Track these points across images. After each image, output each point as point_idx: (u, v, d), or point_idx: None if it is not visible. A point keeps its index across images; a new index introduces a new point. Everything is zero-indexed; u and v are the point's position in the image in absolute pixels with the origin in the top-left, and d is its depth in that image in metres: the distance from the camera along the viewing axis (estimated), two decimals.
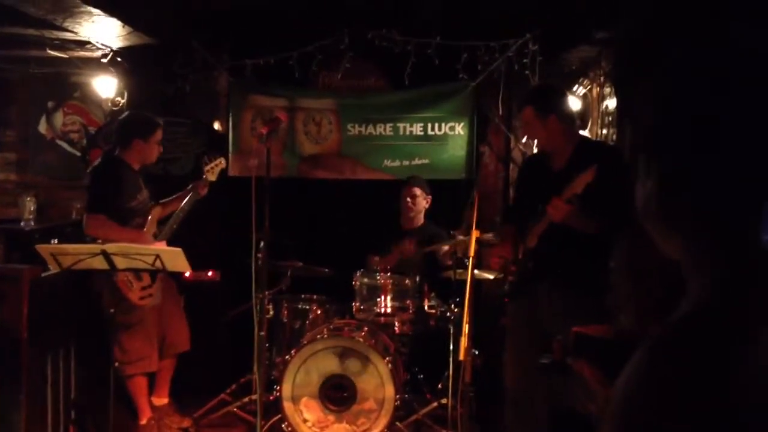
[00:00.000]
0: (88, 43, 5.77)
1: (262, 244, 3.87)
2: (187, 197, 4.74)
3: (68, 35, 5.55)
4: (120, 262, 3.83)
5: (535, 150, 5.45)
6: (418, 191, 5.46)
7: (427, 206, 5.52)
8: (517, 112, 3.98)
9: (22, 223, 6.25)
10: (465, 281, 3.74)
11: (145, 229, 4.59)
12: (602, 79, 5.26)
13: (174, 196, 4.81)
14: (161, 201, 4.78)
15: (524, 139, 5.89)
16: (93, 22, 5.15)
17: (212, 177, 4.87)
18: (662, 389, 0.92)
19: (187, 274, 4.95)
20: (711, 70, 0.95)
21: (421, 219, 5.53)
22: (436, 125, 6.10)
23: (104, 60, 6.01)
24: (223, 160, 4.99)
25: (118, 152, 4.66)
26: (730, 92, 0.94)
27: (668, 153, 0.99)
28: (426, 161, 6.11)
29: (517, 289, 3.95)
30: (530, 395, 3.83)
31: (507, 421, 4.32)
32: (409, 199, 5.46)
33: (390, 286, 4.80)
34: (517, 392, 3.97)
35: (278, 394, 4.40)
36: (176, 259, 3.86)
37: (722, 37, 0.94)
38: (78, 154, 6.70)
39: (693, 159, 0.96)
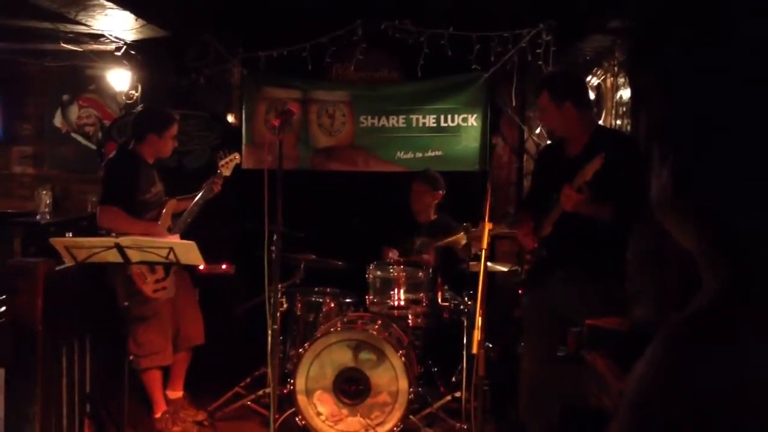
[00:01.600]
0: (102, 36, 5.79)
1: (275, 236, 3.87)
2: (201, 192, 4.75)
3: (82, 28, 5.56)
4: (134, 255, 3.84)
5: (548, 141, 5.42)
6: (422, 188, 5.45)
7: (436, 201, 5.49)
8: (534, 98, 3.94)
9: (38, 217, 6.30)
10: (478, 273, 3.73)
11: (159, 222, 4.60)
12: (616, 69, 5.21)
13: (190, 195, 4.81)
14: (177, 197, 4.78)
15: (538, 129, 5.86)
16: (106, 15, 5.16)
17: (227, 172, 4.87)
18: (676, 382, 0.91)
19: (201, 267, 4.96)
20: (724, 62, 0.94)
21: (431, 214, 5.51)
22: (450, 117, 6.08)
23: (118, 53, 6.02)
24: (237, 155, 4.99)
25: (132, 145, 4.66)
26: (743, 86, 0.93)
27: (683, 144, 0.98)
28: (439, 153, 6.10)
29: (532, 279, 3.93)
30: (546, 385, 3.81)
31: (521, 408, 4.32)
32: (415, 196, 5.45)
33: (403, 279, 4.80)
34: (533, 381, 3.95)
35: (292, 387, 4.41)
36: (190, 252, 3.86)
37: (732, 31, 0.93)
38: (93, 147, 6.74)
39: (707, 151, 0.95)
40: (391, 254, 5.37)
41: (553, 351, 3.47)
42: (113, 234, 4.18)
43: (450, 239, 4.91)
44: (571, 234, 3.61)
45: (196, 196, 4.76)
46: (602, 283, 3.50)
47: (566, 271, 3.69)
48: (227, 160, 4.89)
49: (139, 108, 5.04)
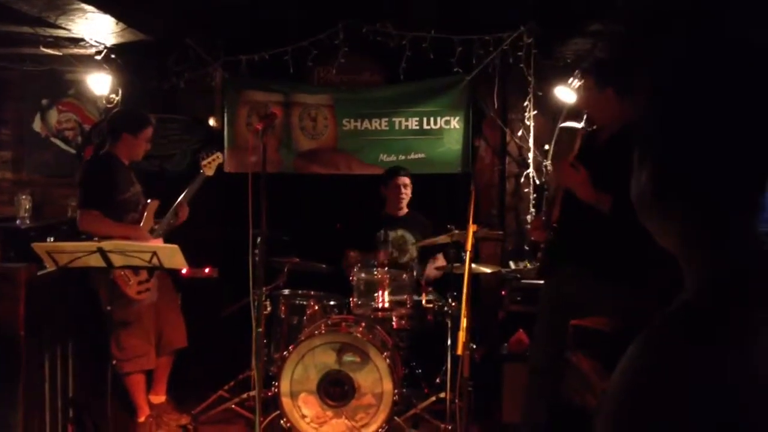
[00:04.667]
0: (82, 40, 5.75)
1: (259, 240, 3.87)
2: (184, 193, 4.77)
3: (62, 32, 5.52)
4: (117, 260, 3.82)
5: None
6: (408, 180, 5.57)
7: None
8: (579, 79, 3.88)
9: (17, 222, 6.24)
10: (462, 275, 3.74)
11: (141, 224, 4.59)
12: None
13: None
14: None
15: (520, 132, 5.88)
16: (87, 19, 5.13)
17: (209, 172, 4.88)
18: (659, 379, 0.92)
19: (183, 271, 4.94)
20: (704, 67, 0.95)
21: (405, 208, 5.63)
22: (432, 119, 6.09)
23: (98, 57, 5.99)
24: (220, 155, 4.99)
25: (108, 147, 4.68)
26: (723, 90, 0.94)
27: (661, 147, 0.99)
28: (422, 155, 6.11)
29: (545, 268, 3.90)
30: (547, 381, 3.76)
31: (506, 409, 4.33)
32: (402, 188, 5.51)
33: (387, 281, 4.80)
34: (534, 376, 3.91)
35: (276, 390, 4.40)
36: (173, 256, 3.85)
37: (715, 35, 0.94)
38: (73, 151, 6.68)
39: (686, 154, 0.96)
40: (352, 255, 5.35)
41: (560, 348, 3.38)
42: (96, 238, 4.17)
43: (433, 240, 4.96)
44: (577, 224, 3.58)
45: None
46: (611, 284, 3.44)
47: (574, 268, 3.65)
48: (210, 159, 4.89)
49: (116, 110, 5.02)
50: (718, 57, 0.95)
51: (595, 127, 3.88)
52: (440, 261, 5.49)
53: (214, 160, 4.90)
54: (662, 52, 0.99)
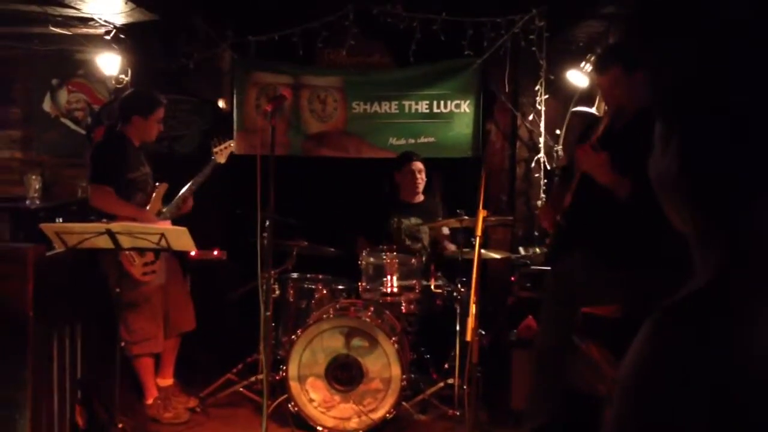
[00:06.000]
0: (91, 19, 5.73)
1: (267, 223, 3.85)
2: (193, 179, 4.76)
3: (71, 12, 5.51)
4: (125, 241, 3.82)
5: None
6: (422, 165, 5.55)
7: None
8: (599, 72, 3.74)
9: (27, 202, 6.25)
10: (472, 261, 3.71)
11: (148, 207, 4.59)
12: None
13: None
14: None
15: (531, 116, 5.83)
16: None
17: (221, 159, 4.87)
18: (672, 363, 0.91)
19: (192, 253, 4.95)
20: (748, 40, 0.93)
21: (421, 195, 5.60)
22: (442, 103, 6.04)
23: (107, 37, 5.97)
24: (232, 143, 4.97)
25: (119, 127, 4.69)
26: (757, 71, 0.92)
27: (693, 123, 0.97)
28: (432, 139, 6.06)
29: (554, 254, 3.86)
30: (555, 366, 3.72)
31: (514, 395, 4.32)
32: (417, 174, 5.48)
33: (396, 266, 4.78)
34: (542, 360, 3.88)
35: (284, 373, 4.40)
36: (181, 238, 3.84)
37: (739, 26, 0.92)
38: (82, 132, 6.67)
39: (716, 131, 0.94)
40: (362, 243, 5.30)
41: (566, 333, 3.33)
42: (104, 219, 4.17)
43: (443, 222, 4.96)
44: (590, 210, 3.53)
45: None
46: (618, 266, 3.40)
47: (585, 254, 3.61)
48: (222, 147, 4.87)
49: (128, 91, 5.01)
50: (751, 39, 0.93)
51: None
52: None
53: (226, 147, 4.89)
54: (707, 23, 0.97)
